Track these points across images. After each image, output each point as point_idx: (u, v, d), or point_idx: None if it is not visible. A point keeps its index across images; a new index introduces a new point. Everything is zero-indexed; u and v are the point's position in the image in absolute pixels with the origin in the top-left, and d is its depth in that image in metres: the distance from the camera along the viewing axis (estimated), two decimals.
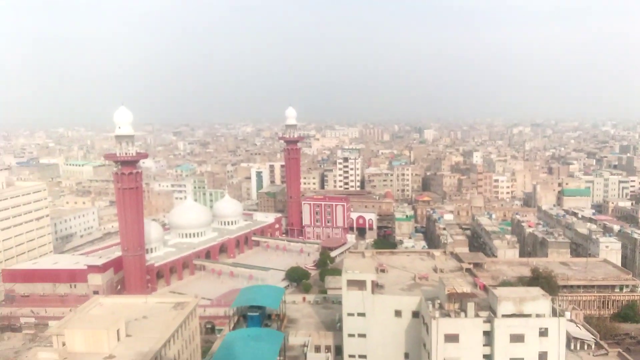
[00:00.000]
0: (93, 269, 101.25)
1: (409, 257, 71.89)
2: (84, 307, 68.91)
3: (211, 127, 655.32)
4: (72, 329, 57.17)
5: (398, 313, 54.96)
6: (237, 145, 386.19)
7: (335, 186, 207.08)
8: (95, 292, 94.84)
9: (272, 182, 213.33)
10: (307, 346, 53.55)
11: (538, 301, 48.28)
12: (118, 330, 58.35)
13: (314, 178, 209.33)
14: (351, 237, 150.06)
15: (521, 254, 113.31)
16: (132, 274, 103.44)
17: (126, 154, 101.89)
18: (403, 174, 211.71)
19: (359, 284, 55.39)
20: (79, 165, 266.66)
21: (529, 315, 47.74)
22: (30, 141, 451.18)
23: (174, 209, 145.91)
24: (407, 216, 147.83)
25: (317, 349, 57.22)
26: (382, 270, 63.03)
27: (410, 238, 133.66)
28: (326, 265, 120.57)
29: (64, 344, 56.45)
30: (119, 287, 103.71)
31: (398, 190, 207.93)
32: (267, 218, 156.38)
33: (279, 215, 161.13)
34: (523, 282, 75.15)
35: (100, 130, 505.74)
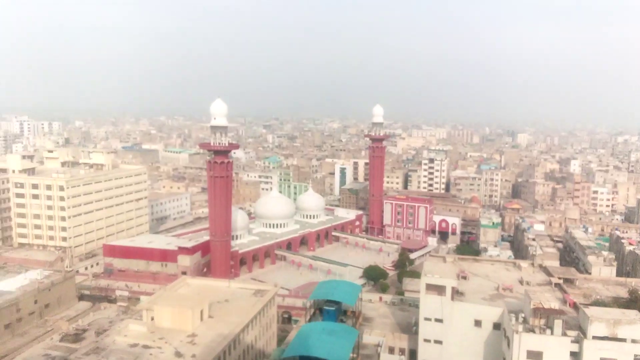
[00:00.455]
0: (183, 250, 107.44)
1: (493, 266, 69.08)
2: (173, 286, 73.42)
3: (299, 121, 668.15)
4: (161, 305, 61.15)
5: (478, 323, 53.08)
6: (323, 141, 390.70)
7: (419, 187, 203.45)
8: (184, 273, 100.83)
9: (355, 179, 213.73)
10: (381, 346, 53.24)
11: (635, 325, 44.50)
12: (202, 311, 61.64)
13: (397, 177, 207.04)
14: (432, 241, 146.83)
15: (618, 273, 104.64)
16: (217, 258, 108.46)
17: (219, 144, 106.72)
18: (492, 179, 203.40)
19: (439, 289, 54.14)
20: (176, 152, 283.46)
21: (623, 340, 44.13)
22: (135, 128, 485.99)
23: (260, 199, 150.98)
24: (493, 223, 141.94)
25: (391, 350, 56.71)
26: (464, 277, 61.10)
27: (495, 246, 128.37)
28: (405, 266, 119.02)
29: (152, 319, 60.53)
30: (204, 269, 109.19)
31: (485, 195, 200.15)
32: (348, 214, 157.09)
33: (360, 212, 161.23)
34: (619, 303, 69.45)
35: (197, 121, 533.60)
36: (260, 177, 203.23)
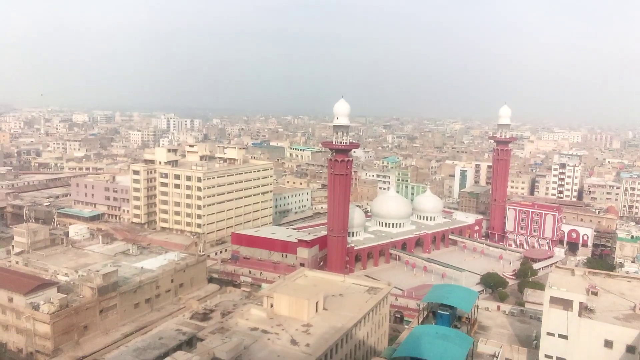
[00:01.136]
0: (302, 243, 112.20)
1: (629, 283, 62.84)
2: (291, 276, 77.32)
3: (420, 122, 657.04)
4: (280, 293, 64.86)
5: (608, 344, 48.93)
6: (444, 142, 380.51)
7: (547, 194, 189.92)
8: (302, 264, 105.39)
9: (477, 182, 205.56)
10: (497, 357, 51.39)
11: None
12: (317, 303, 64.27)
13: (523, 182, 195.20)
14: (559, 251, 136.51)
15: None
16: (334, 253, 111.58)
17: (341, 142, 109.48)
18: (633, 189, 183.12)
19: (564, 303, 50.79)
20: (300, 150, 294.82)
21: None
22: (264, 126, 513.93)
23: (377, 198, 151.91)
24: (632, 237, 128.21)
25: None
26: (594, 293, 56.49)
27: (634, 262, 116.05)
28: (527, 276, 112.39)
29: (271, 306, 64.48)
30: (321, 263, 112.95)
31: (624, 206, 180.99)
32: (467, 218, 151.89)
33: (480, 217, 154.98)
34: None
35: (320, 120, 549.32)
36: (378, 176, 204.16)
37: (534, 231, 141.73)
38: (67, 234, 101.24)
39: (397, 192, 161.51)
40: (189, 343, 63.01)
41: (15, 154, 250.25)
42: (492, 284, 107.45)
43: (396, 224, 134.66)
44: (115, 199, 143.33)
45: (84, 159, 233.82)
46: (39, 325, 66.19)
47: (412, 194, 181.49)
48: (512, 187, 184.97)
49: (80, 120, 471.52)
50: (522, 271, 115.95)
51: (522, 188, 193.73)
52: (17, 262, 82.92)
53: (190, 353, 52.10)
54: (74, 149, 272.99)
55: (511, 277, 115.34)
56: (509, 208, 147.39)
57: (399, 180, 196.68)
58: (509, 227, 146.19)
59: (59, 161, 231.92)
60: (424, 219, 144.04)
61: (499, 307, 69.18)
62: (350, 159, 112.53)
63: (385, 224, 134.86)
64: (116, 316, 73.43)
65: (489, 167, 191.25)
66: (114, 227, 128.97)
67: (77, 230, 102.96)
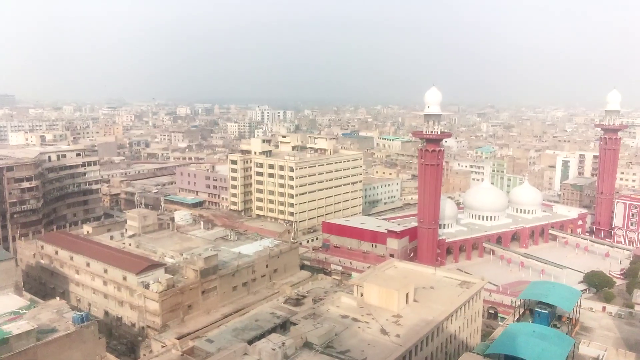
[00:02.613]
0: (392, 234, 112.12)
1: None
2: (381, 267, 77.85)
3: (517, 109, 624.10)
4: (370, 283, 65.64)
5: None
6: (544, 131, 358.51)
7: None
8: (391, 255, 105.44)
9: (581, 173, 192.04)
10: None
11: None
12: (407, 294, 64.27)
13: (634, 174, 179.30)
14: None
15: None
16: (424, 245, 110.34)
17: (431, 132, 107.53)
18: None
19: None
20: (390, 140, 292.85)
21: None
22: (353, 116, 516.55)
23: (470, 190, 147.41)
24: None
25: None
26: None
27: None
28: (637, 276, 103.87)
29: (361, 295, 65.48)
30: (411, 254, 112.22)
31: None
32: (569, 212, 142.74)
33: (584, 211, 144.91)
34: None
35: (410, 109, 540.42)
36: (471, 167, 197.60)
37: None
38: (172, 219, 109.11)
39: (492, 183, 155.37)
40: (283, 326, 65.84)
41: (128, 145, 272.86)
42: (597, 283, 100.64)
43: (490, 216, 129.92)
44: (215, 187, 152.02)
45: (187, 150, 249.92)
46: (149, 303, 72.41)
47: (509, 186, 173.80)
48: (621, 179, 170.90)
49: (183, 113, 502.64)
50: (632, 270, 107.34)
51: (633, 180, 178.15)
52: (129, 244, 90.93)
53: (284, 336, 54.56)
54: (178, 140, 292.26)
55: (619, 276, 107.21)
56: (617, 202, 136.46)
57: (493, 171, 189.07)
58: (618, 222, 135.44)
59: (165, 151, 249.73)
60: (521, 212, 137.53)
61: (604, 308, 64.77)
62: (442, 148, 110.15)
63: (479, 216, 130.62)
64: (216, 297, 78.36)
65: (594, 157, 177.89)
66: (214, 213, 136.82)
67: (181, 215, 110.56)
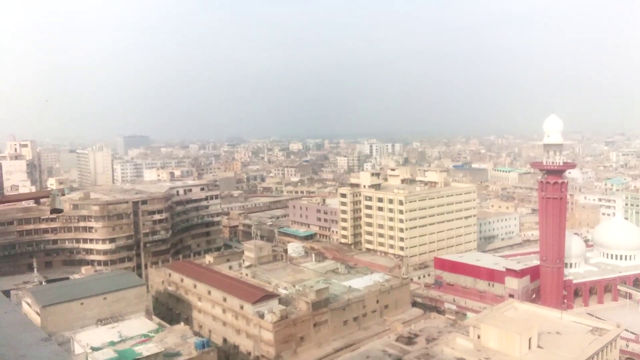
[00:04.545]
0: (511, 272, 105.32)
1: None
2: (500, 307, 73.31)
3: None
4: (488, 325, 61.96)
5: None
6: None
7: None
8: (511, 295, 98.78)
9: None
10: None
11: None
12: (530, 338, 59.67)
13: None
14: None
15: None
16: (548, 285, 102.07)
17: (552, 163, 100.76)
18: None
19: None
20: (505, 172, 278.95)
21: None
22: (465, 147, 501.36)
23: (600, 225, 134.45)
24: None
25: None
26: None
27: None
28: None
29: (478, 337, 61.90)
30: (533, 295, 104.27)
31: None
32: None
33: None
34: None
35: (527, 139, 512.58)
36: (600, 200, 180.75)
37: None
38: (285, 250, 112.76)
39: (626, 218, 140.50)
40: None
41: (245, 180, 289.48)
42: None
43: (625, 255, 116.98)
44: (325, 220, 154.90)
45: (299, 183, 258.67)
46: (264, 332, 74.70)
47: None
48: None
49: (296, 149, 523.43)
50: None
51: None
52: (246, 274, 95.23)
53: None
54: (291, 175, 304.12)
55: None
56: None
57: (627, 204, 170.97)
58: None
59: (279, 185, 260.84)
60: None
61: None
62: (565, 180, 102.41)
63: (611, 255, 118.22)
64: (327, 331, 78.73)
65: None
66: (325, 246, 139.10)
67: (294, 248, 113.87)
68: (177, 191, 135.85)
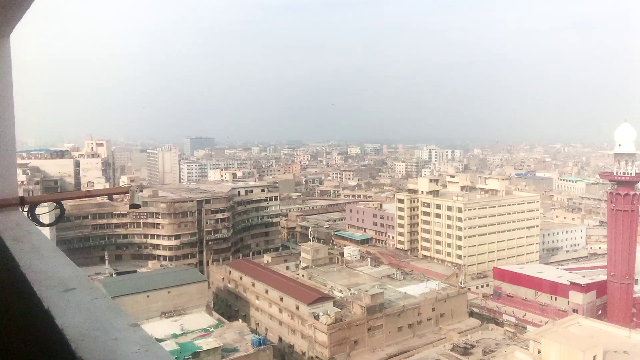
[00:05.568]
0: (575, 287, 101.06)
1: None
2: (563, 322, 70.80)
3: None
4: (549, 340, 60.04)
5: None
6: None
7: None
8: (575, 311, 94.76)
9: None
10: None
11: None
12: (595, 356, 57.33)
13: None
14: None
15: None
16: (615, 302, 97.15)
17: (624, 173, 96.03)
18: None
19: None
20: (572, 182, 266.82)
21: None
22: (529, 155, 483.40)
23: None
24: None
25: None
26: None
27: None
28: None
29: (539, 352, 60.13)
30: (599, 312, 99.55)
31: None
32: None
33: None
34: None
35: (596, 148, 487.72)
36: None
37: None
38: (342, 254, 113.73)
39: None
40: None
41: (304, 182, 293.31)
42: None
43: None
44: (382, 225, 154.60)
45: (357, 188, 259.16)
46: (318, 334, 75.93)
47: None
48: None
49: (354, 153, 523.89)
50: None
51: None
52: (303, 275, 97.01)
53: None
54: (349, 179, 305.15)
55: None
56: None
57: None
58: None
59: (337, 189, 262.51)
60: None
61: None
62: (637, 192, 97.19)
63: None
64: (382, 336, 78.91)
65: None
66: (380, 251, 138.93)
67: (350, 251, 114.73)
68: (239, 191, 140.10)
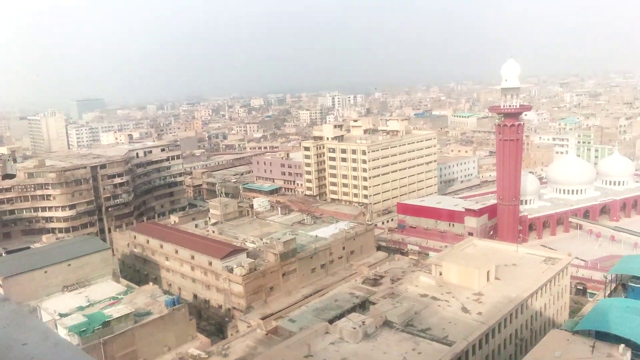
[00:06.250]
0: (470, 212, 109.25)
1: None
2: (460, 245, 76.43)
3: (605, 76, 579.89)
4: (449, 262, 64.72)
5: None
6: (635, 97, 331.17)
7: None
8: (470, 234, 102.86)
9: None
10: None
11: None
12: (488, 272, 62.77)
13: None
14: None
15: None
16: (505, 222, 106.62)
17: (510, 106, 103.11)
18: None
19: None
20: (465, 117, 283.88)
21: None
22: (426, 95, 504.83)
23: (553, 163, 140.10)
24: None
25: None
26: None
27: None
28: None
29: (440, 274, 64.73)
30: (491, 232, 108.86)
31: None
32: None
33: None
34: None
35: (486, 84, 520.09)
36: (554, 139, 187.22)
37: None
38: (251, 206, 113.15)
39: (578, 155, 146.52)
40: (362, 306, 66.70)
41: (207, 138, 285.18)
42: None
43: (577, 190, 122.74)
44: (290, 174, 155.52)
45: (262, 139, 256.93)
46: (234, 286, 75.97)
47: (596, 157, 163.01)
48: None
49: (257, 105, 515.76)
50: None
51: None
52: (213, 232, 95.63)
53: (364, 315, 55.36)
54: (253, 131, 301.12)
55: None
56: None
57: (579, 142, 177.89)
58: None
59: (242, 142, 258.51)
60: (611, 184, 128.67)
61: None
62: (521, 122, 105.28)
63: (564, 190, 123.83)
64: (296, 279, 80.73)
65: None
66: (290, 199, 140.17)
67: (259, 202, 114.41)
68: (137, 153, 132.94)
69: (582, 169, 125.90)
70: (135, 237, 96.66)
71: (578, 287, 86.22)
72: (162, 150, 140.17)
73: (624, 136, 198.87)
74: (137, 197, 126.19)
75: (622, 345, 40.12)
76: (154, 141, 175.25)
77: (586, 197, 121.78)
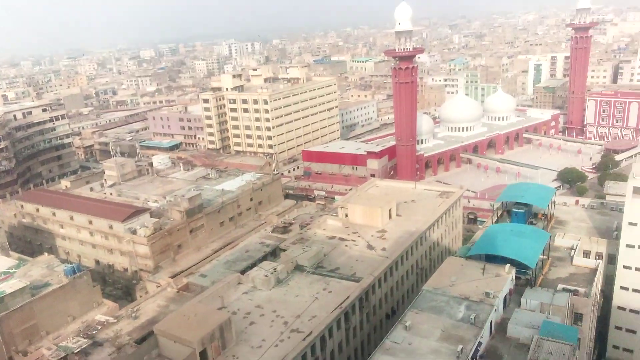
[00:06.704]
0: (371, 155, 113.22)
1: None
2: (363, 187, 79.22)
3: (489, 17, 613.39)
4: (354, 204, 67.05)
5: None
6: (516, 36, 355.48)
7: (631, 80, 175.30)
8: (372, 175, 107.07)
9: (553, 75, 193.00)
10: (574, 249, 51.32)
11: None
12: (390, 210, 65.99)
13: (604, 71, 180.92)
14: None
15: None
16: (403, 161, 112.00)
17: (403, 49, 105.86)
18: None
19: None
20: (362, 62, 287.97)
21: None
22: (324, 41, 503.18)
23: (445, 103, 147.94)
24: None
25: (587, 254, 54.20)
26: None
27: None
28: (608, 169, 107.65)
29: (346, 216, 67.06)
30: (391, 172, 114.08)
31: None
32: (542, 115, 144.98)
33: (557, 112, 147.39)
34: None
35: (381, 28, 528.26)
36: (445, 80, 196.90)
37: (617, 121, 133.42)
38: (151, 164, 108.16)
39: (466, 94, 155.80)
40: (273, 254, 67.66)
41: (94, 95, 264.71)
42: (570, 179, 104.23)
43: (466, 127, 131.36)
44: (189, 128, 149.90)
45: (157, 93, 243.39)
46: (139, 247, 73.36)
47: (483, 95, 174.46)
48: (592, 77, 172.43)
49: (148, 56, 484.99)
50: (603, 163, 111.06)
51: (604, 77, 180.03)
52: (111, 194, 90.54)
53: (275, 262, 56.20)
54: (146, 85, 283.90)
55: (591, 170, 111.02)
56: (588, 99, 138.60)
57: (467, 82, 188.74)
58: (589, 119, 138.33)
59: (134, 97, 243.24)
60: (496, 120, 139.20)
61: (577, 202, 67.56)
62: (415, 65, 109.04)
63: (455, 128, 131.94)
64: (205, 234, 79.60)
65: (566, 58, 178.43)
66: (192, 154, 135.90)
67: (159, 160, 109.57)
68: (15, 115, 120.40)
69: (470, 107, 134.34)
70: (22, 206, 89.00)
71: (470, 216, 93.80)
72: (44, 110, 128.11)
73: (506, 74, 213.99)
74: (19, 163, 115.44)
75: (508, 265, 44.50)
76: (32, 101, 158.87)
77: (475, 133, 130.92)
